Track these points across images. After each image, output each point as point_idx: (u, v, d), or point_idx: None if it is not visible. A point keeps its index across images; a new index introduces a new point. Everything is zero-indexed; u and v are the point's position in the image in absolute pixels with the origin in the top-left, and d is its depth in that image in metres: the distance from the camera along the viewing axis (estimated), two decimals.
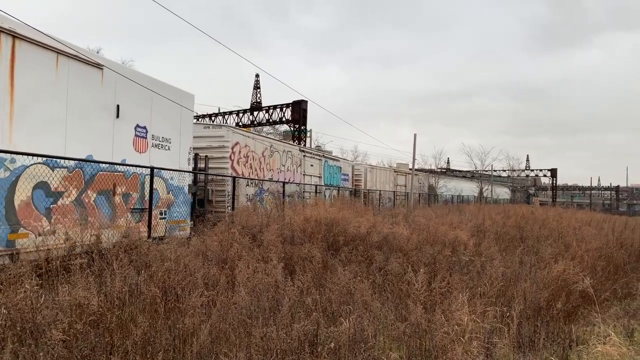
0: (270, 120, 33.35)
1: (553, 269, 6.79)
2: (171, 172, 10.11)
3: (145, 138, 9.62)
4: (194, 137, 12.06)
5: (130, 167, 8.94)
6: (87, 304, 4.26)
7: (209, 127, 15.23)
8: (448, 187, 43.82)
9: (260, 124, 34.56)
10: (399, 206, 26.23)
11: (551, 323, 5.46)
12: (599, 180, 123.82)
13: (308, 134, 38.58)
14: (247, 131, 16.88)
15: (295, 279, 6.15)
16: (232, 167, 14.50)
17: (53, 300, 4.52)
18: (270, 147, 17.19)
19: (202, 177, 13.52)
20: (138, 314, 4.63)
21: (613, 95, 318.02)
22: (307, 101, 30.59)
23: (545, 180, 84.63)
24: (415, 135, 26.25)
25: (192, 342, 4.22)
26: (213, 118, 35.89)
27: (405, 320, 4.99)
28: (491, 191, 53.51)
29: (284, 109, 31.92)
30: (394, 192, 30.95)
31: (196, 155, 12.75)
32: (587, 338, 4.80)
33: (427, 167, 50.80)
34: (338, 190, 23.14)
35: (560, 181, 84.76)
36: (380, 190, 27.56)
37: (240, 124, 33.98)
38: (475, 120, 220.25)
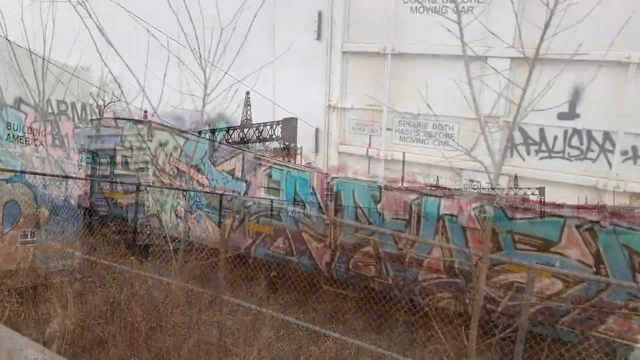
0: (261, 138, 33.32)
1: None
2: (44, 177, 7.31)
3: None
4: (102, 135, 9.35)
5: None
6: (65, 323, 4.20)
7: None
8: None
9: (250, 141, 34.49)
10: None
11: None
12: None
13: (299, 151, 38.47)
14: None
15: (279, 297, 6.12)
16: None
17: (32, 318, 4.46)
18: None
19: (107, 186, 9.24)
20: (117, 333, 4.57)
21: None
22: (297, 119, 30.65)
23: None
24: (404, 153, 26.37)
25: None
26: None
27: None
28: None
29: (274, 126, 31.93)
30: None
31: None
32: None
33: None
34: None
35: None
36: None
37: (229, 141, 33.86)
38: None
